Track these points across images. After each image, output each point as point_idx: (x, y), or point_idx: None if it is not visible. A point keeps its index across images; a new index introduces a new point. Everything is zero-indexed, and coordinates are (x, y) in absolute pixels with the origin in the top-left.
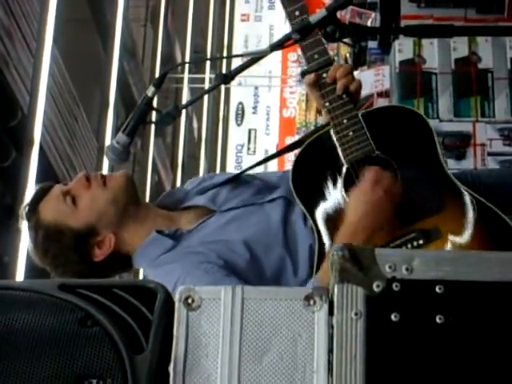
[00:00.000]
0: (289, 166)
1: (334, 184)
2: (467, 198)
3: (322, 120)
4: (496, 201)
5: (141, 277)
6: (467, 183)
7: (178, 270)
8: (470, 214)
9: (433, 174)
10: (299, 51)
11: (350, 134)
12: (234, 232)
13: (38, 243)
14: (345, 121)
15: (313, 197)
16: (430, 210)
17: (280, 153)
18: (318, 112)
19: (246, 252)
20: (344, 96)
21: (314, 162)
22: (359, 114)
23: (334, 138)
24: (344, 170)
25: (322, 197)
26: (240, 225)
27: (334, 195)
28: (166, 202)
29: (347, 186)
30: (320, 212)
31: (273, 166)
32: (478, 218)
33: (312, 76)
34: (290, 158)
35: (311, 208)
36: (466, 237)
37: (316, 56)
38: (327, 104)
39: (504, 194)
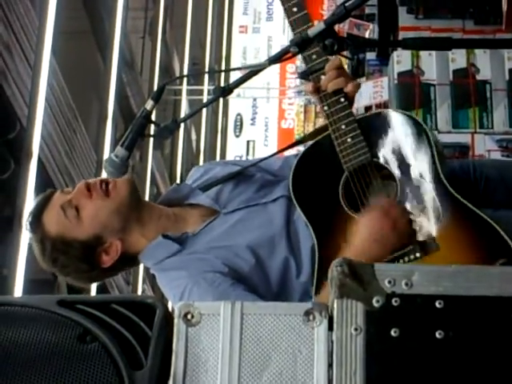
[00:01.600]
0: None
1: (334, 191)
2: (465, 210)
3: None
4: (495, 196)
5: (140, 283)
6: (468, 174)
7: (184, 279)
8: (468, 227)
9: (430, 184)
10: (297, 63)
11: (349, 140)
12: (238, 236)
13: (46, 255)
14: (343, 126)
15: (312, 203)
16: (428, 222)
17: (279, 152)
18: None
19: (252, 257)
20: (342, 100)
21: (313, 168)
22: (357, 120)
23: (334, 144)
24: (343, 177)
25: (321, 204)
26: (244, 228)
27: (334, 202)
28: (172, 197)
29: (346, 193)
30: (320, 218)
31: None
32: (475, 232)
33: (309, 87)
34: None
35: (311, 214)
36: (463, 250)
37: (314, 56)
38: (325, 108)
39: (504, 189)
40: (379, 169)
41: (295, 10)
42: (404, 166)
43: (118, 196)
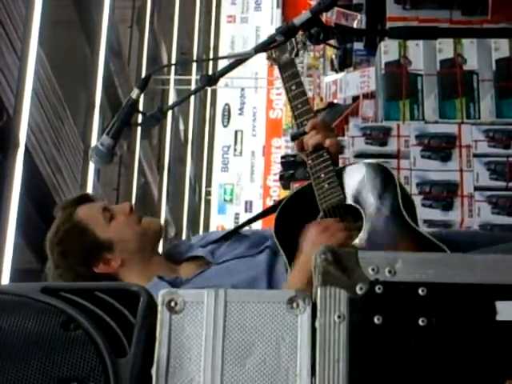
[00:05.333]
0: None
1: None
2: (421, 238)
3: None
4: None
5: None
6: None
7: None
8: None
9: (394, 220)
10: None
11: (326, 186)
12: (226, 278)
13: (59, 232)
14: (322, 175)
15: (293, 244)
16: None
17: (267, 212)
18: None
19: None
20: (324, 154)
21: (294, 213)
22: (334, 170)
23: (314, 190)
24: (319, 216)
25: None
26: (230, 272)
27: None
28: (172, 252)
29: None
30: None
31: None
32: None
33: (296, 146)
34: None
35: (291, 255)
36: None
37: (305, 122)
38: (309, 162)
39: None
40: (351, 209)
41: (294, 87)
42: (371, 205)
43: (148, 226)
